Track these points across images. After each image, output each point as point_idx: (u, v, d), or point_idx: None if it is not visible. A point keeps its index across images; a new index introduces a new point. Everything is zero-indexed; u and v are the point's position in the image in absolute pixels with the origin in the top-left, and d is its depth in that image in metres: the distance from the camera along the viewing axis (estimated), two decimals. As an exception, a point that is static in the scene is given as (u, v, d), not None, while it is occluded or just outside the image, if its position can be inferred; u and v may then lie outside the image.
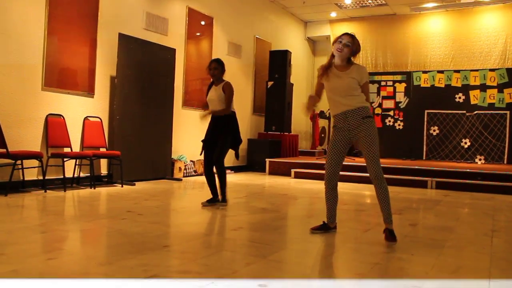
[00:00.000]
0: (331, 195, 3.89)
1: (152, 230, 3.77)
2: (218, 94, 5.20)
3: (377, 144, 3.61)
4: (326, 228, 3.90)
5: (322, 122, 12.41)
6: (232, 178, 8.69)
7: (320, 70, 3.82)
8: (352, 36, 3.69)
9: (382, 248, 3.43)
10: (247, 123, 10.66)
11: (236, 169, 10.08)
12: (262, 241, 3.56)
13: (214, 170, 5.19)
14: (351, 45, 3.64)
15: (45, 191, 5.75)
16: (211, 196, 5.22)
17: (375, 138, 3.60)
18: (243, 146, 10.46)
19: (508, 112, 10.46)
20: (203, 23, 9.11)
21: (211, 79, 5.36)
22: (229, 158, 10.04)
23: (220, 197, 5.21)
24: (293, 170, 9.19)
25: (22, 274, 2.50)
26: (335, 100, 3.71)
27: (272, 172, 9.63)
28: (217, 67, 5.25)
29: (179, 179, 7.88)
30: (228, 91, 5.19)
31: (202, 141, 5.32)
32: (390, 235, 3.58)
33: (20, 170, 5.77)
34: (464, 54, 11.22)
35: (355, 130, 3.62)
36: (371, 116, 3.67)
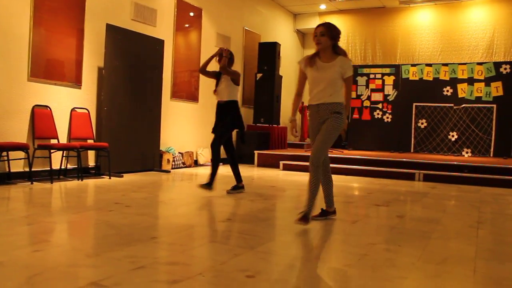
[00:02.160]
0: (324, 178, 3.95)
1: (139, 222, 3.76)
2: (225, 83, 5.53)
3: (332, 135, 3.69)
4: (326, 213, 4.06)
5: (311, 115, 12.41)
6: (220, 170, 8.66)
7: (303, 62, 3.85)
8: (324, 25, 3.74)
9: (369, 240, 3.45)
10: (236, 115, 10.62)
11: (225, 161, 10.05)
12: (250, 232, 3.56)
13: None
14: (326, 33, 3.69)
15: (32, 183, 5.69)
16: (235, 183, 5.66)
17: (334, 129, 3.69)
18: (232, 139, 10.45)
19: (494, 105, 10.56)
20: (192, 14, 9.05)
21: (217, 70, 5.68)
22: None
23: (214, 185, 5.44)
24: (281, 162, 9.20)
25: (8, 266, 2.48)
26: (314, 92, 3.78)
27: (261, 164, 9.64)
28: (227, 55, 5.55)
29: (167, 171, 7.85)
30: (235, 73, 5.55)
31: (213, 131, 5.60)
32: (303, 217, 3.67)
33: (6, 162, 5.70)
34: (452, 47, 11.29)
35: (324, 121, 3.73)
36: (341, 112, 3.73)
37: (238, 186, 5.64)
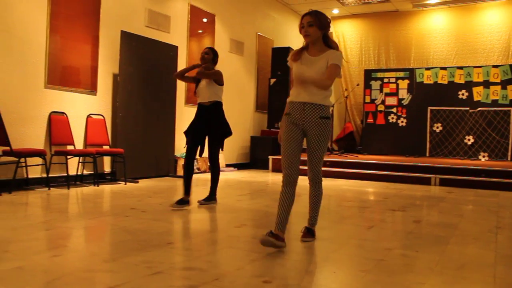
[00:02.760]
0: (290, 197, 3.30)
1: (155, 227, 3.78)
2: (207, 82, 4.98)
3: (325, 146, 3.33)
4: (278, 239, 3.11)
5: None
6: (235, 175, 8.69)
7: (291, 56, 3.37)
8: (312, 14, 3.24)
9: (386, 245, 3.42)
10: (250, 120, 10.65)
11: (239, 167, 10.09)
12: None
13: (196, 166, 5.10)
14: (314, 22, 3.20)
15: (49, 189, 5.76)
16: (184, 196, 4.93)
17: (326, 140, 3.29)
18: (245, 144, 10.48)
19: (511, 108, 10.42)
20: (205, 20, 9.10)
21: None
22: (233, 156, 10.10)
23: (207, 196, 5.09)
24: (296, 167, 9.15)
25: (27, 271, 2.51)
26: (298, 88, 3.27)
27: (275, 169, 9.62)
28: (208, 52, 5.06)
29: (182, 177, 7.85)
30: (217, 74, 4.97)
31: (185, 132, 5.05)
32: (308, 232, 3.48)
33: (24, 168, 5.77)
34: (467, 50, 11.19)
35: (309, 127, 3.24)
36: (329, 117, 3.30)
37: (185, 201, 4.91)
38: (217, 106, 4.97)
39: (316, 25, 3.20)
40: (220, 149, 5.10)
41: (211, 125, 4.94)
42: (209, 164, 5.15)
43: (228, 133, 5.07)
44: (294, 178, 3.26)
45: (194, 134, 4.98)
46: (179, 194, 6.21)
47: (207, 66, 5.01)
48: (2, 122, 5.25)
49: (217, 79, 4.97)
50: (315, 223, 3.51)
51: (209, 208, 4.93)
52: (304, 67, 3.24)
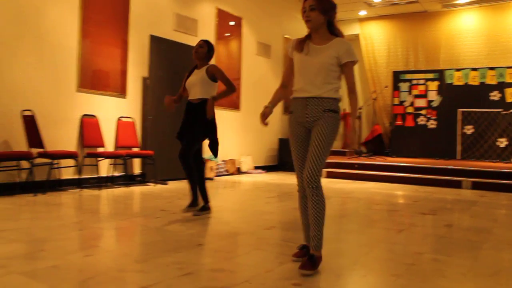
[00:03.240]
0: (305, 205, 3.02)
1: (185, 229, 3.82)
2: (200, 77, 4.47)
3: (327, 144, 2.77)
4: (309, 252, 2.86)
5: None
6: (263, 177, 8.71)
7: (292, 44, 2.97)
8: (316, 1, 2.80)
9: (417, 249, 3.38)
10: (277, 123, 10.66)
11: (267, 169, 10.10)
12: (295, 240, 3.55)
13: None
14: (316, 6, 2.78)
15: (81, 190, 5.88)
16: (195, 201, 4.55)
17: (328, 136, 2.76)
18: (273, 146, 10.49)
19: (546, 110, 10.15)
20: (232, 23, 9.16)
21: (194, 65, 4.70)
22: (261, 158, 10.12)
23: (199, 201, 4.57)
24: (324, 170, 9.13)
25: (63, 269, 2.57)
26: (300, 82, 2.88)
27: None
28: (203, 45, 4.58)
29: (210, 179, 7.94)
30: (219, 71, 4.52)
31: (177, 138, 4.58)
32: (308, 261, 2.72)
33: (57, 169, 5.92)
34: (499, 50, 10.94)
35: (313, 122, 2.82)
36: (337, 111, 2.82)
37: (205, 207, 4.59)
38: (203, 102, 4.44)
39: (318, 9, 2.78)
40: (213, 155, 4.59)
41: (196, 123, 4.44)
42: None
43: (210, 133, 4.50)
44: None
45: (183, 136, 4.51)
46: (209, 196, 6.26)
47: (210, 110, 4.41)
48: (37, 125, 5.39)
49: (225, 77, 4.51)
50: (318, 246, 2.77)
51: (238, 210, 4.95)
52: (309, 58, 2.84)
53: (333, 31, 2.87)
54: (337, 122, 2.81)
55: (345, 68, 2.80)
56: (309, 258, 2.73)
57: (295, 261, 2.88)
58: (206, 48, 4.57)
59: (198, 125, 4.41)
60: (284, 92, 3.10)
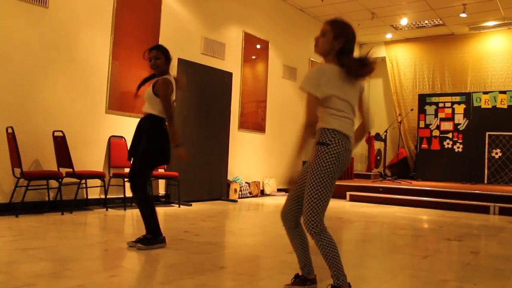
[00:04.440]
0: (295, 237, 2.87)
1: (209, 251, 3.85)
2: (147, 92, 3.94)
3: (319, 181, 2.44)
4: (304, 281, 2.83)
5: (377, 145, 12.24)
6: (276, 199, 8.68)
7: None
8: (331, 22, 2.53)
9: (441, 276, 3.32)
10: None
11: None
12: (318, 265, 3.53)
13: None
14: (327, 32, 2.51)
15: (107, 210, 5.99)
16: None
17: (318, 172, 2.44)
18: (298, 169, 10.46)
19: None
20: (258, 46, 9.29)
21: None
22: (285, 180, 10.08)
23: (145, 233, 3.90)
24: (348, 193, 9.07)
25: (88, 290, 2.63)
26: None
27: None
28: (158, 56, 3.95)
29: (234, 201, 7.97)
30: (162, 89, 3.84)
31: (129, 159, 4.06)
32: None
33: (84, 189, 6.04)
34: (528, 73, 10.79)
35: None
36: (328, 144, 2.45)
37: (148, 238, 3.90)
38: (149, 120, 3.91)
39: (330, 35, 2.52)
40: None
41: (140, 138, 3.92)
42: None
43: (151, 153, 3.84)
44: (286, 216, 2.75)
45: (130, 154, 4.01)
46: (232, 218, 6.30)
47: (177, 142, 3.89)
48: (67, 145, 5.54)
49: (166, 99, 3.87)
50: (339, 276, 2.52)
51: (261, 233, 4.96)
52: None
53: (341, 57, 2.53)
54: (323, 155, 2.44)
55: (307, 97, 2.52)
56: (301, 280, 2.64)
57: None
58: (164, 57, 3.98)
59: (146, 144, 3.85)
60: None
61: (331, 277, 2.61)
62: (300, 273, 2.86)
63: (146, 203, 3.86)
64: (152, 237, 3.83)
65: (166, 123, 3.92)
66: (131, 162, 3.98)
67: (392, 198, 8.43)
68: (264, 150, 9.46)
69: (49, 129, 5.74)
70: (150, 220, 3.84)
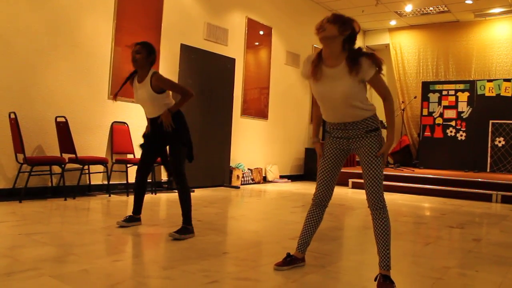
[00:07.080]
0: (316, 218, 2.99)
1: (211, 237, 3.86)
2: (148, 94, 3.99)
3: (381, 164, 2.68)
4: (293, 261, 3.00)
5: (380, 132, 12.21)
6: (288, 187, 8.72)
7: (308, 68, 2.81)
8: (334, 15, 2.67)
9: (443, 263, 3.33)
10: (305, 132, 10.66)
11: (293, 178, 10.09)
12: (320, 251, 3.55)
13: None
14: (333, 23, 2.61)
15: (109, 195, 6.00)
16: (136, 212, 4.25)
17: (379, 157, 2.68)
18: (300, 155, 10.49)
19: None
20: (261, 33, 9.23)
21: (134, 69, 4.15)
22: (287, 167, 10.13)
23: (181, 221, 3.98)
24: (350, 180, 9.08)
25: (92, 273, 2.64)
26: (328, 110, 2.82)
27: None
28: (140, 50, 3.95)
29: (237, 187, 7.99)
30: (164, 81, 4.05)
31: (141, 146, 4.33)
32: (383, 282, 2.62)
33: (87, 175, 6.06)
34: (533, 61, 10.72)
35: (356, 142, 2.76)
36: (379, 127, 2.74)
37: (135, 218, 4.25)
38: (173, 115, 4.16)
39: (333, 29, 2.62)
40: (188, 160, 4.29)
41: (164, 136, 4.17)
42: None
43: (188, 140, 4.26)
44: (321, 199, 2.91)
45: (145, 148, 4.33)
46: (234, 204, 6.31)
47: (166, 122, 4.09)
48: (70, 131, 5.54)
49: (176, 86, 4.21)
50: (388, 265, 2.66)
51: (263, 219, 4.97)
52: (327, 86, 2.70)
53: (345, 47, 2.65)
54: (381, 140, 2.72)
55: (373, 80, 2.63)
56: (385, 279, 2.63)
57: (276, 270, 2.92)
58: (145, 53, 3.97)
59: (176, 140, 4.14)
60: (318, 111, 3.01)
61: (379, 265, 2.68)
62: (291, 253, 3.03)
63: (190, 196, 4.06)
64: (191, 228, 3.91)
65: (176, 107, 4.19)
66: (162, 158, 4.35)
67: (395, 186, 8.42)
68: (267, 137, 9.46)
69: (52, 114, 5.74)
70: (190, 211, 3.99)
